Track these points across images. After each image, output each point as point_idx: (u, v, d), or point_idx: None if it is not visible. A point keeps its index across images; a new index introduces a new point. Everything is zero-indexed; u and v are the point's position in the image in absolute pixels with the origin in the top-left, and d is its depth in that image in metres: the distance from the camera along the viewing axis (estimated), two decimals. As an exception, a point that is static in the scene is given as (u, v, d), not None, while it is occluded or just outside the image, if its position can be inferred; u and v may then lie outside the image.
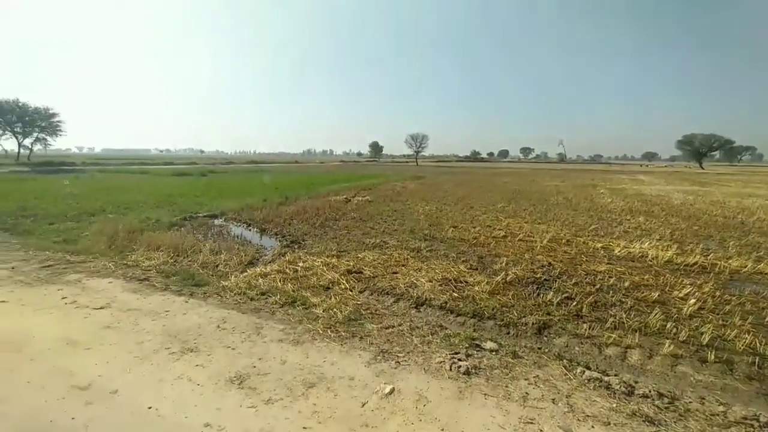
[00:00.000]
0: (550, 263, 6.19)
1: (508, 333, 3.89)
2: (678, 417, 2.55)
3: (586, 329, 3.86)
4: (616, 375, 3.03)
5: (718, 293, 4.90)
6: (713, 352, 3.43)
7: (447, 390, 2.77)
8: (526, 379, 2.94)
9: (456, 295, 4.79)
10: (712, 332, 3.78)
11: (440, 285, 5.11)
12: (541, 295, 4.79)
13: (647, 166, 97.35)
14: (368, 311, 4.23)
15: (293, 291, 4.72)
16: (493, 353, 3.35)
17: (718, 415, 2.59)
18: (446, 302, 4.54)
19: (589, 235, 8.35)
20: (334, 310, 4.13)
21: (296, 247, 7.18)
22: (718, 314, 4.29)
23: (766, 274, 5.79)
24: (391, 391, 2.72)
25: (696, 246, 7.35)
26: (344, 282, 5.10)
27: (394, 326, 3.85)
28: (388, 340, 3.56)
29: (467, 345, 3.47)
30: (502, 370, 3.07)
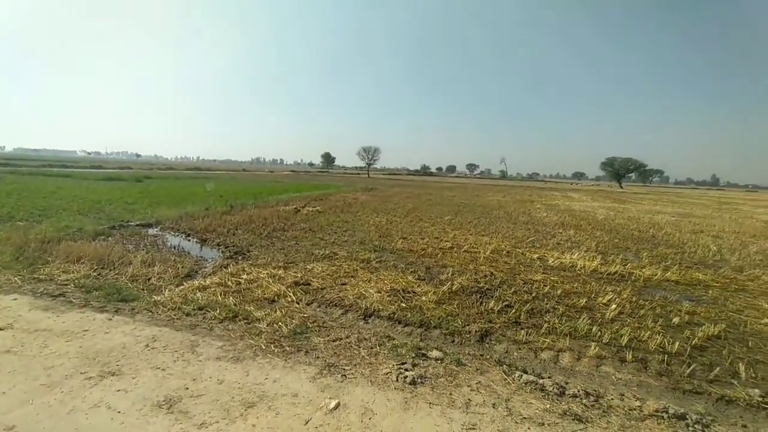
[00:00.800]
0: (492, 273, 6.51)
1: (453, 341, 4.00)
2: (602, 413, 2.78)
3: (523, 335, 4.09)
4: (549, 377, 3.24)
5: (634, 299, 5.47)
6: (631, 353, 3.81)
7: (393, 401, 2.76)
8: (469, 386, 3.03)
9: (404, 305, 4.84)
10: (629, 334, 4.19)
11: (389, 296, 5.13)
12: (484, 304, 5.00)
13: (576, 184, 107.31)
14: (315, 324, 4.11)
15: (235, 305, 4.46)
16: (439, 362, 3.42)
17: (635, 409, 2.86)
18: (394, 313, 4.56)
19: (526, 247, 8.94)
20: (279, 323, 3.97)
21: (240, 258, 6.83)
22: (634, 318, 4.78)
23: (672, 281, 6.58)
24: (336, 406, 2.65)
25: (617, 257, 8.18)
26: (291, 294, 4.93)
27: (341, 338, 3.78)
28: (335, 353, 3.48)
29: (414, 355, 3.50)
30: (447, 378, 3.13)
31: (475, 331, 4.16)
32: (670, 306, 5.26)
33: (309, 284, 5.46)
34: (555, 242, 9.81)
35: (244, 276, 5.59)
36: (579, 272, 6.88)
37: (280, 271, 5.91)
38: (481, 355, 3.63)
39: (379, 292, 5.24)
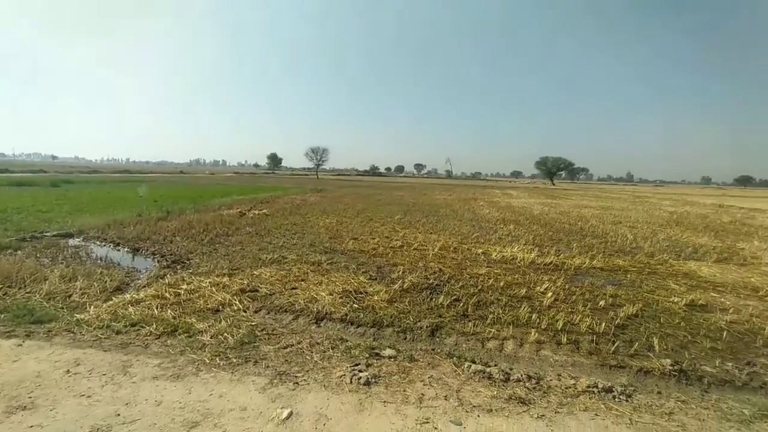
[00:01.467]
0: (440, 269, 6.73)
1: (406, 338, 4.07)
2: (543, 394, 2.99)
3: (471, 327, 4.28)
4: (495, 365, 3.42)
5: (567, 286, 5.98)
6: (565, 336, 4.15)
7: (347, 404, 2.74)
8: (421, 381, 3.10)
9: (356, 306, 4.82)
10: (564, 319, 4.57)
11: (341, 297, 5.09)
12: (434, 300, 5.15)
13: (514, 182, 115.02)
14: (264, 332, 3.95)
15: (174, 318, 4.14)
16: (392, 360, 3.45)
17: (570, 387, 3.12)
18: (347, 314, 4.53)
19: (472, 242, 9.37)
20: (225, 334, 3.75)
21: (179, 267, 6.36)
22: (567, 303, 5.21)
23: (598, 268, 7.29)
24: (289, 416, 2.57)
25: (551, 248, 8.88)
26: (237, 303, 4.69)
27: (293, 345, 3.68)
28: (287, 360, 3.37)
29: (368, 355, 3.51)
30: (401, 376, 3.18)
31: (427, 327, 4.27)
32: (597, 291, 5.82)
33: (257, 291, 5.23)
34: (497, 237, 10.39)
35: (184, 286, 5.21)
36: (519, 264, 7.35)
37: (224, 279, 5.60)
38: (433, 350, 3.74)
39: (330, 294, 5.17)
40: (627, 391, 3.08)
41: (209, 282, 5.42)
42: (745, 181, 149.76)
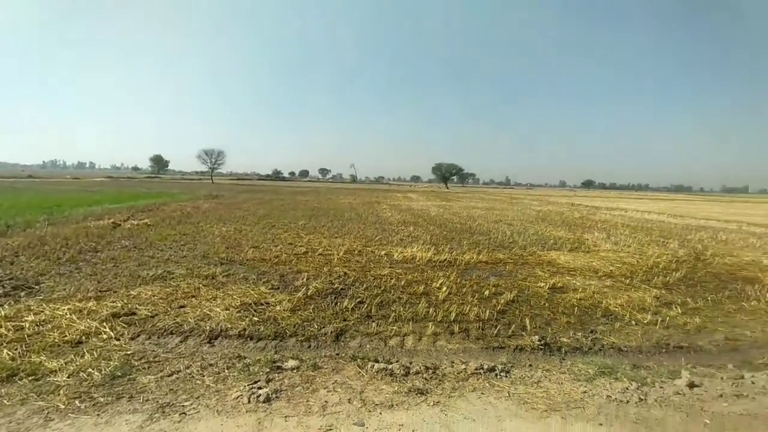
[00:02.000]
0: (345, 273, 6.78)
1: (310, 346, 3.98)
2: (438, 382, 3.24)
3: (374, 327, 4.42)
4: (397, 361, 3.59)
5: (459, 280, 6.60)
6: (457, 325, 4.57)
7: (244, 426, 2.55)
8: (325, 388, 3.07)
9: (256, 318, 4.55)
10: (456, 310, 5.03)
11: (239, 312, 4.74)
12: (339, 304, 5.16)
13: (414, 186, 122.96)
14: (143, 360, 3.44)
15: (13, 359, 3.32)
16: (295, 371, 3.34)
17: (461, 372, 3.44)
18: (245, 329, 4.24)
19: (376, 245, 9.67)
20: (89, 370, 3.15)
21: (23, 294, 5.13)
22: (459, 296, 5.76)
23: (483, 262, 8.23)
24: (174, 451, 2.28)
25: (446, 246, 9.70)
26: (107, 330, 3.99)
27: (179, 371, 3.28)
28: (172, 389, 2.99)
29: (268, 370, 3.33)
30: (304, 386, 3.10)
31: (331, 332, 4.25)
32: (483, 282, 6.56)
33: (134, 314, 4.53)
34: (399, 238, 10.93)
35: (30, 317, 4.22)
36: (418, 263, 7.85)
37: (90, 304, 4.71)
38: (337, 354, 3.74)
39: (227, 309, 4.77)
40: (506, 368, 3.53)
41: (68, 309, 4.50)
42: (588, 184, 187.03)
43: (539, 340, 4.21)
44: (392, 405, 2.85)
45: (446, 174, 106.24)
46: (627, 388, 3.18)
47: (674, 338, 4.48)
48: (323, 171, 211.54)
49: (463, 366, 3.55)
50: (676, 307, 5.48)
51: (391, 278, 6.54)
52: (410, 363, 3.54)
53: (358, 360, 3.59)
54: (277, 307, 4.93)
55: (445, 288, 5.98)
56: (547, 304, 5.52)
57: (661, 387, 3.27)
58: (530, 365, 3.68)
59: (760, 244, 11.84)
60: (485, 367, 3.52)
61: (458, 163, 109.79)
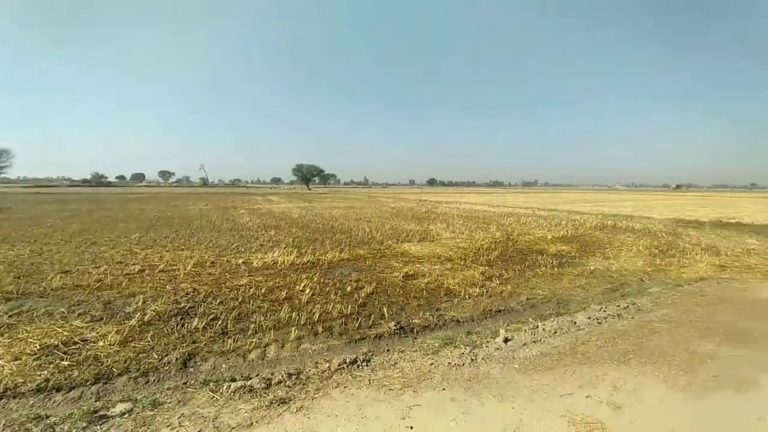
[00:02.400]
0: (195, 289, 5.98)
1: (147, 382, 3.36)
2: (303, 386, 3.19)
3: (231, 344, 4.04)
4: (257, 375, 3.37)
5: (322, 280, 6.65)
6: (321, 325, 4.60)
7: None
8: (168, 426, 2.64)
9: (67, 363, 3.57)
10: (320, 310, 5.06)
11: (37, 358, 3.63)
12: (186, 325, 4.52)
13: (275, 188, 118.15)
14: None
15: None
16: (126, 416, 2.76)
17: (326, 370, 3.48)
18: (48, 379, 3.28)
19: (232, 254, 8.86)
20: None
21: None
22: (322, 296, 5.80)
23: (345, 259, 8.51)
24: None
25: (308, 248, 9.63)
26: None
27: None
28: None
29: (85, 424, 2.66)
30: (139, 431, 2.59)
31: (177, 359, 3.69)
32: (345, 279, 6.78)
33: None
34: (258, 244, 10.29)
35: None
36: (280, 268, 7.56)
37: None
38: (185, 383, 3.27)
39: (16, 359, 3.60)
40: (367, 357, 3.74)
41: None
42: (432, 182, 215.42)
43: (395, 326, 4.60)
44: (251, 423, 2.66)
45: (308, 175, 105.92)
46: (462, 353, 3.79)
47: (495, 305, 5.55)
48: (165, 174, 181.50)
49: (327, 364, 3.59)
50: (495, 280, 6.82)
51: (251, 287, 6.10)
52: (272, 374, 3.38)
53: (211, 384, 3.22)
54: (100, 343, 3.99)
55: (308, 290, 5.93)
56: (401, 291, 6.09)
57: (486, 346, 4.02)
58: (388, 350, 3.99)
59: (545, 224, 15.82)
60: (348, 360, 3.64)
61: (319, 165, 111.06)
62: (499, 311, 5.33)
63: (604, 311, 5.07)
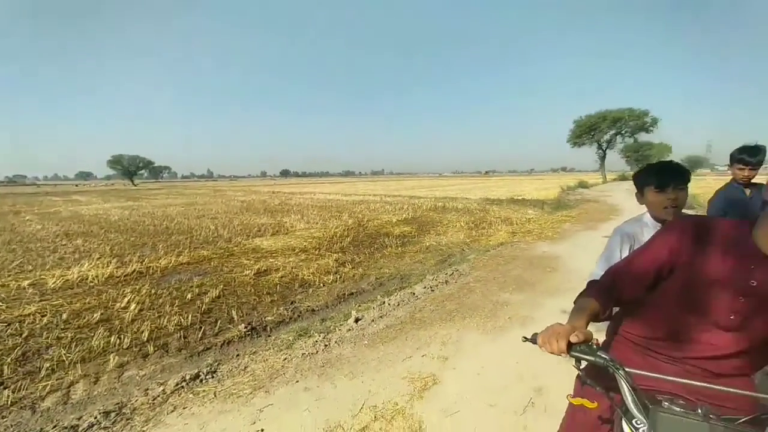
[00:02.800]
0: (-60, 332, 4.23)
1: None
2: (126, 422, 2.67)
3: (9, 396, 3.03)
4: (55, 426, 2.64)
5: (153, 291, 5.66)
6: (153, 344, 3.92)
7: None
8: None
9: None
10: (150, 327, 4.30)
11: None
12: (-75, 386, 3.17)
13: (84, 185, 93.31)
14: None
15: None
16: None
17: (159, 395, 2.99)
18: None
19: (11, 275, 6.62)
20: None
21: None
22: (155, 309, 4.95)
23: (185, 263, 7.46)
24: None
25: (134, 255, 8.03)
26: None
27: None
28: None
29: None
30: None
31: None
32: (184, 286, 5.95)
33: None
34: (57, 258, 8.00)
35: None
36: (92, 284, 6.07)
37: None
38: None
39: None
40: (212, 369, 3.39)
41: None
42: (286, 173, 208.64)
43: (246, 327, 4.32)
44: (48, 487, 2.08)
45: (130, 168, 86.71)
46: (316, 341, 3.85)
47: (348, 288, 5.82)
48: None
49: (161, 388, 3.10)
50: (348, 265, 7.15)
51: (43, 315, 4.70)
52: (79, 418, 2.70)
53: (-24, 456, 2.36)
54: None
55: (134, 305, 4.95)
56: (253, 290, 5.73)
57: (339, 329, 4.19)
58: (238, 355, 3.71)
59: (391, 209, 17.41)
60: (188, 377, 3.23)
61: (146, 155, 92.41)
62: (352, 294, 5.62)
63: (436, 280, 5.96)
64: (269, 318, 4.69)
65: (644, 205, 1.79)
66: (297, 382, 3.10)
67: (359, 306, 5.04)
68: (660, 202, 1.67)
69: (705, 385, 1.07)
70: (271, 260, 7.63)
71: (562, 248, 8.15)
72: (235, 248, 8.83)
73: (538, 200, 19.35)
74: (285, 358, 3.53)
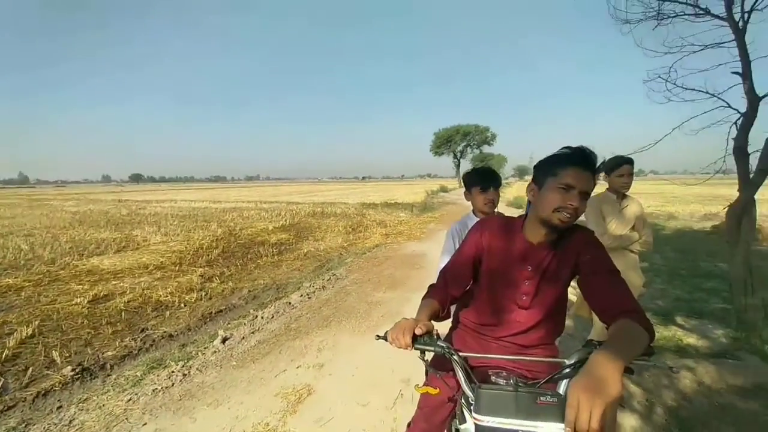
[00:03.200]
0: None
1: None
2: None
3: None
4: None
5: None
6: None
7: None
8: None
9: None
10: None
11: None
12: None
13: None
14: None
15: None
16: None
17: None
18: None
19: None
20: None
21: None
22: None
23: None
24: None
25: None
26: None
27: None
28: None
29: None
30: None
31: None
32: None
33: None
34: None
35: None
36: None
37: None
38: None
39: None
40: (19, 429, 2.62)
41: None
42: (137, 178, 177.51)
43: (73, 370, 3.47)
44: None
45: None
46: (173, 372, 3.36)
47: (215, 306, 5.27)
48: None
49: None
50: (216, 279, 6.48)
51: None
52: None
53: None
54: None
55: None
56: (86, 322, 4.67)
57: (203, 354, 3.76)
58: (59, 407, 2.96)
59: (267, 216, 16.52)
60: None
61: None
62: (220, 311, 5.11)
63: (313, 286, 5.91)
64: (109, 353, 3.88)
65: (470, 202, 2.20)
66: (144, 425, 2.63)
67: (228, 324, 4.63)
68: (482, 199, 2.08)
69: (515, 357, 1.33)
70: (114, 282, 6.35)
71: (427, 246, 9.08)
72: (61, 272, 7.04)
73: (409, 203, 21.15)
74: (129, 399, 2.97)
